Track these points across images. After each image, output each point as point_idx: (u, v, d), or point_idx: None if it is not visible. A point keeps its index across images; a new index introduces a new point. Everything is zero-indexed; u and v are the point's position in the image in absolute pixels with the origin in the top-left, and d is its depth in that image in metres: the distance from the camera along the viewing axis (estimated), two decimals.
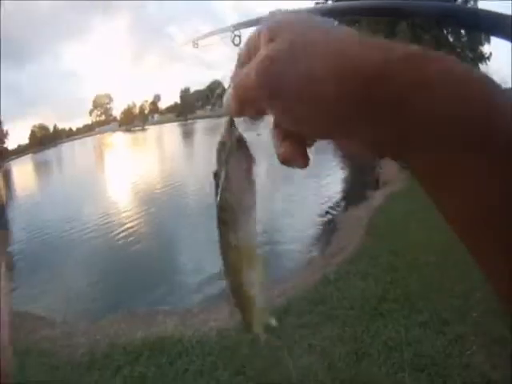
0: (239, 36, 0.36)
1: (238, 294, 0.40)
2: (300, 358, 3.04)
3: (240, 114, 0.31)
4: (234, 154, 0.34)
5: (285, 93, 0.24)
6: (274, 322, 0.44)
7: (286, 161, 0.29)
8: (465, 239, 0.22)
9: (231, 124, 0.34)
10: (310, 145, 0.29)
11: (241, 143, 0.34)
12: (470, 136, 0.20)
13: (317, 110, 0.23)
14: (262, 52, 0.25)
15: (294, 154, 0.28)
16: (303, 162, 0.28)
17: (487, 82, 0.21)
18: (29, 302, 6.33)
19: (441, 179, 0.22)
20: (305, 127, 0.26)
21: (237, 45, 0.35)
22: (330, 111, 0.23)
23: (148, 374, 3.24)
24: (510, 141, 0.19)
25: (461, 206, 0.21)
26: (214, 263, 6.92)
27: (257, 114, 0.31)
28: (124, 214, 12.28)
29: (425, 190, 0.23)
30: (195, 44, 0.47)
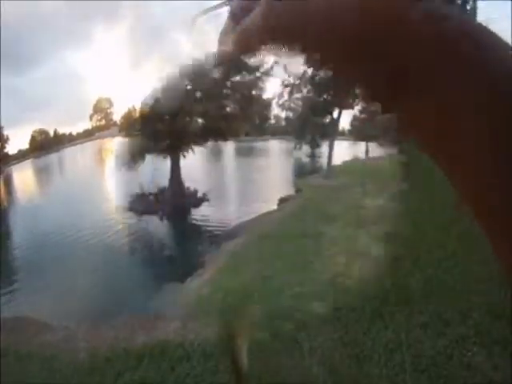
0: None
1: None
2: (301, 361, 3.03)
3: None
4: None
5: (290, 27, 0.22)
6: None
7: None
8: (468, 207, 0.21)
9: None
10: None
11: None
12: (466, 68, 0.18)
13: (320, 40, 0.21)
14: None
15: None
16: None
17: (475, 22, 0.20)
18: (30, 306, 6.33)
19: (441, 140, 0.20)
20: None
21: None
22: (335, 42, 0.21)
23: (149, 378, 3.24)
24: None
25: (462, 180, 0.21)
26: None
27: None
28: (124, 219, 12.29)
29: (427, 153, 0.22)
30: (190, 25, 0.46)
